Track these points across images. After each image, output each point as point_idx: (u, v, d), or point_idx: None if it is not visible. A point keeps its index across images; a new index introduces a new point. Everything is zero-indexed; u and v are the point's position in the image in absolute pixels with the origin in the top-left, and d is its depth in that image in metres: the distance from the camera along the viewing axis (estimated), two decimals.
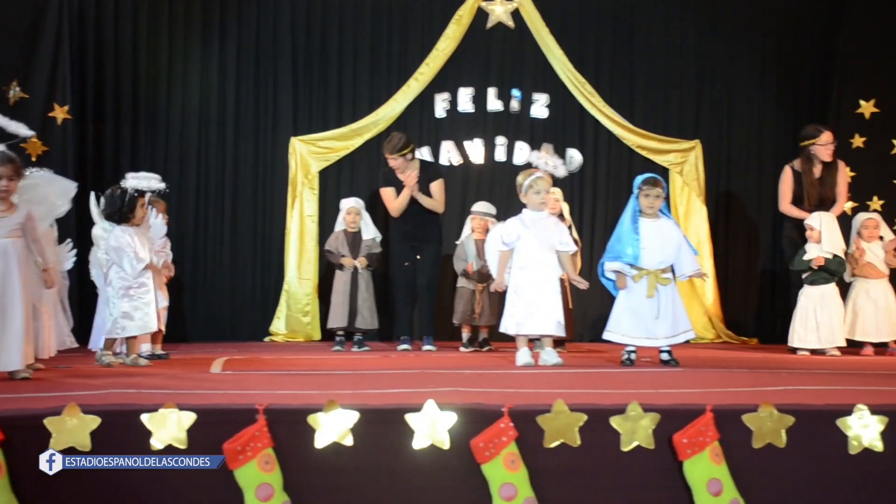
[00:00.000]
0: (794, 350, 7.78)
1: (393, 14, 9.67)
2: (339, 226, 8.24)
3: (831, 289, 7.76)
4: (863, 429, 3.49)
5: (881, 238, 7.90)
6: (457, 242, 8.25)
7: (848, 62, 9.40)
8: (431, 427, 3.46)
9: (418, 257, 8.03)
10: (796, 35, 9.93)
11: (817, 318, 7.67)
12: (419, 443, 3.44)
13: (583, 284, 6.25)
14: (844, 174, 8.32)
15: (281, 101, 9.50)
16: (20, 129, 5.27)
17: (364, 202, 8.42)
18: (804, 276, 7.84)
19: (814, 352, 7.63)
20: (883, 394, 4.17)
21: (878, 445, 3.50)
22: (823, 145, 8.15)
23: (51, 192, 5.40)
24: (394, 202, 8.03)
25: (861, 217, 8.09)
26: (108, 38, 9.06)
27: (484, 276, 7.68)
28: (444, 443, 3.45)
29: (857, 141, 9.25)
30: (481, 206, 8.22)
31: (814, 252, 7.74)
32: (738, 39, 9.92)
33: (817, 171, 8.22)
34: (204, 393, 4.15)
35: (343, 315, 7.97)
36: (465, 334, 8.17)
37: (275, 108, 9.51)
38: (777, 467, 3.53)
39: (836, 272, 7.73)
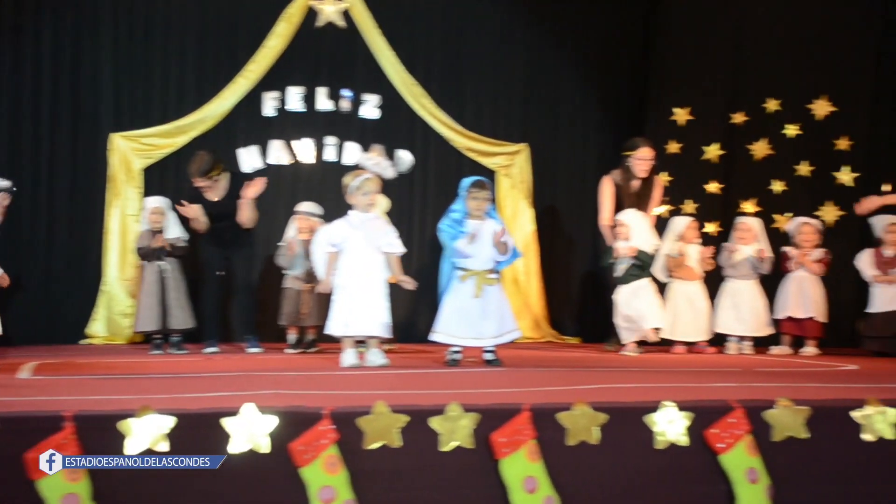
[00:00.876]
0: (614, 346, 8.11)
1: (221, 8, 9.48)
2: (144, 225, 7.98)
3: (645, 283, 7.79)
4: (668, 425, 3.64)
5: (699, 241, 8.21)
6: (280, 244, 8.13)
7: (663, 71, 9.81)
8: (250, 431, 3.41)
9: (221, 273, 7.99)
10: (616, 44, 10.29)
11: (635, 314, 7.70)
12: (236, 447, 3.38)
13: (410, 285, 6.29)
14: (660, 189, 8.48)
15: (102, 95, 9.15)
16: None
17: (171, 201, 8.10)
18: (616, 274, 7.82)
19: (640, 343, 7.75)
20: (689, 390, 4.37)
21: (684, 440, 3.66)
22: (640, 159, 8.24)
23: None
24: (200, 219, 7.83)
25: (683, 220, 8.39)
26: None
27: (311, 277, 7.59)
28: (263, 447, 3.40)
29: (673, 147, 9.65)
30: (307, 206, 8.15)
31: (622, 247, 7.80)
32: (564, 46, 10.20)
33: (635, 183, 8.33)
34: (6, 400, 3.95)
35: (154, 317, 7.67)
36: (292, 335, 8.08)
37: (94, 103, 9.15)
38: (590, 463, 3.64)
39: (645, 264, 7.77)
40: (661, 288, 8.27)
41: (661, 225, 8.49)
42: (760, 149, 9.54)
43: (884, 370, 6.08)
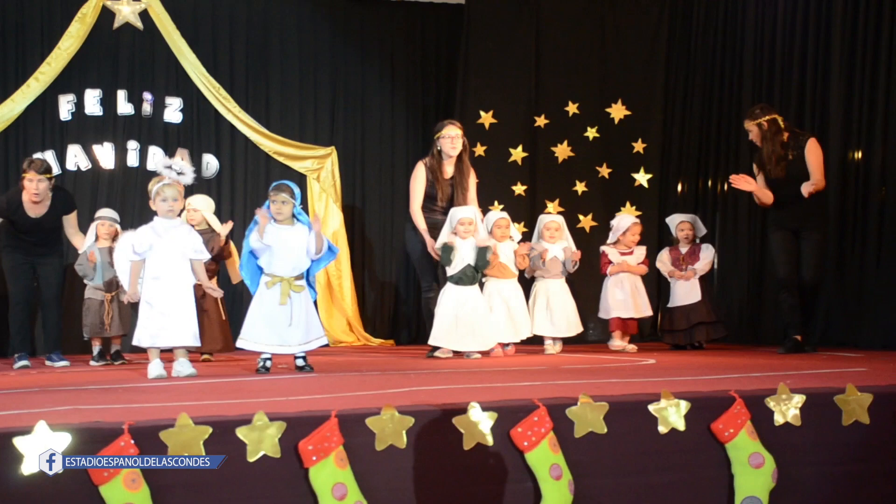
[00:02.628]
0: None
1: (7, 7, 9.02)
2: None
3: (476, 292, 7.44)
4: (475, 425, 3.72)
5: (511, 238, 8.01)
6: (80, 251, 7.71)
7: (469, 75, 10.01)
8: (43, 450, 3.26)
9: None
10: (424, 48, 10.44)
11: (459, 322, 7.29)
12: (29, 467, 3.23)
13: (217, 293, 6.19)
14: (472, 178, 8.06)
15: None
16: None
17: None
18: (451, 272, 7.36)
19: (456, 353, 7.32)
20: (494, 390, 4.48)
21: (490, 440, 3.74)
22: (448, 137, 7.78)
23: None
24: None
25: (493, 216, 8.20)
26: None
27: (112, 286, 7.43)
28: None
29: (479, 149, 9.87)
30: (106, 212, 7.83)
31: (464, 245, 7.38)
32: (369, 51, 10.27)
33: (448, 168, 7.88)
34: None
35: None
36: (96, 347, 7.77)
37: None
38: (399, 467, 3.67)
39: (481, 265, 7.38)
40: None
41: None
42: (563, 151, 9.88)
43: (679, 363, 6.41)
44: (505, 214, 8.25)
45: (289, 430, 3.54)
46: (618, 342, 8.25)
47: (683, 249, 8.40)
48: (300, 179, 9.56)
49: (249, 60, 9.88)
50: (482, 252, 7.30)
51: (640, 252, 8.39)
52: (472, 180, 7.99)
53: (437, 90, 10.42)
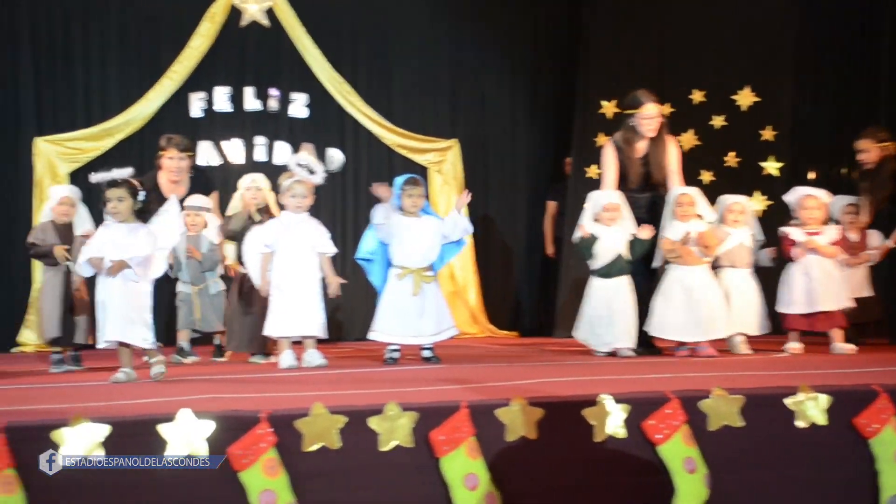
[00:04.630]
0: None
1: (141, 7, 9.32)
2: (47, 216, 6.54)
3: (626, 282, 6.55)
4: (607, 417, 3.68)
5: (700, 217, 6.63)
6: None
7: (590, 64, 9.89)
8: (187, 436, 3.37)
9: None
10: (544, 38, 10.37)
11: (613, 317, 6.47)
12: (174, 453, 3.34)
13: (336, 290, 6.22)
14: (675, 151, 6.93)
15: (22, 99, 8.96)
16: None
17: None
18: (591, 263, 6.60)
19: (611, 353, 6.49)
20: (625, 383, 4.42)
21: (622, 432, 3.70)
22: (647, 118, 6.78)
23: None
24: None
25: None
26: None
27: (200, 278, 6.91)
28: (202, 451, 3.37)
29: (602, 139, 9.75)
30: (195, 200, 7.12)
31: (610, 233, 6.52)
32: (489, 41, 10.24)
33: (640, 147, 6.86)
34: None
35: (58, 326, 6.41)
36: (183, 342, 6.96)
37: (16, 106, 8.95)
38: (531, 458, 3.66)
39: (629, 259, 6.53)
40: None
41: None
42: (688, 140, 9.69)
43: (816, 357, 6.19)
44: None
45: (421, 421, 3.57)
46: (795, 344, 6.58)
47: (853, 236, 7.22)
48: (422, 172, 9.61)
49: (371, 54, 9.98)
50: (640, 243, 6.49)
51: (832, 231, 6.75)
52: (673, 155, 6.86)
53: (559, 79, 10.34)
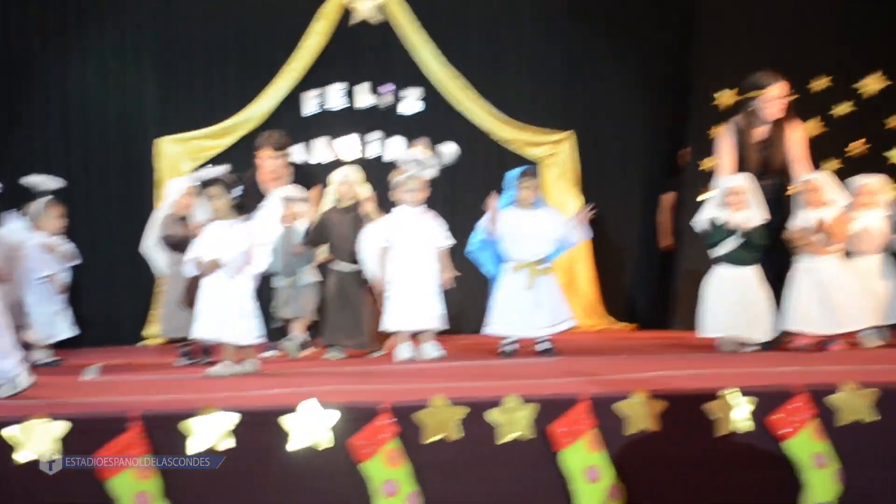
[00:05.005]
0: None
1: (257, 8, 9.52)
2: (167, 210, 6.58)
3: (752, 273, 6.10)
4: (732, 410, 3.61)
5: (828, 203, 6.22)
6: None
7: (705, 53, 9.68)
8: (311, 427, 3.44)
9: None
10: (658, 27, 10.20)
11: (738, 307, 6.01)
12: (298, 443, 3.42)
13: (449, 283, 6.29)
14: (800, 136, 6.48)
15: (146, 100, 9.25)
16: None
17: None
18: (717, 251, 6.14)
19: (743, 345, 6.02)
20: (750, 376, 4.33)
21: (746, 426, 3.63)
22: (771, 100, 6.35)
23: None
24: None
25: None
26: None
27: (293, 270, 6.69)
28: (325, 442, 3.43)
29: (718, 130, 9.54)
30: (288, 191, 6.69)
31: (738, 219, 6.05)
32: (604, 31, 10.12)
33: (760, 131, 6.45)
34: (74, 402, 4.02)
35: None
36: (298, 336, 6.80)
37: (140, 107, 9.25)
38: (653, 451, 3.62)
39: (756, 245, 6.07)
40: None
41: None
42: (811, 128, 9.40)
43: None
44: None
45: (540, 413, 3.57)
46: None
47: None
48: (536, 165, 9.57)
49: (483, 48, 9.96)
50: (755, 232, 6.04)
51: None
52: (797, 140, 6.42)
53: (674, 69, 10.15)
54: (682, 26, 10.07)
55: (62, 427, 3.27)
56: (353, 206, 6.62)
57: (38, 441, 3.23)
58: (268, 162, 7.16)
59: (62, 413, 3.35)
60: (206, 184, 5.31)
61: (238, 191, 5.32)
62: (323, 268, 6.90)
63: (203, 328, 5.21)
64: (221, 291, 5.20)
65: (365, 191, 6.81)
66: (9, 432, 3.22)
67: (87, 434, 3.28)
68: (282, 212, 6.36)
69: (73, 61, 9.12)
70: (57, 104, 9.07)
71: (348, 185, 6.64)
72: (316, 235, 6.57)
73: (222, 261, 5.17)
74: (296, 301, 6.67)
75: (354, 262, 6.45)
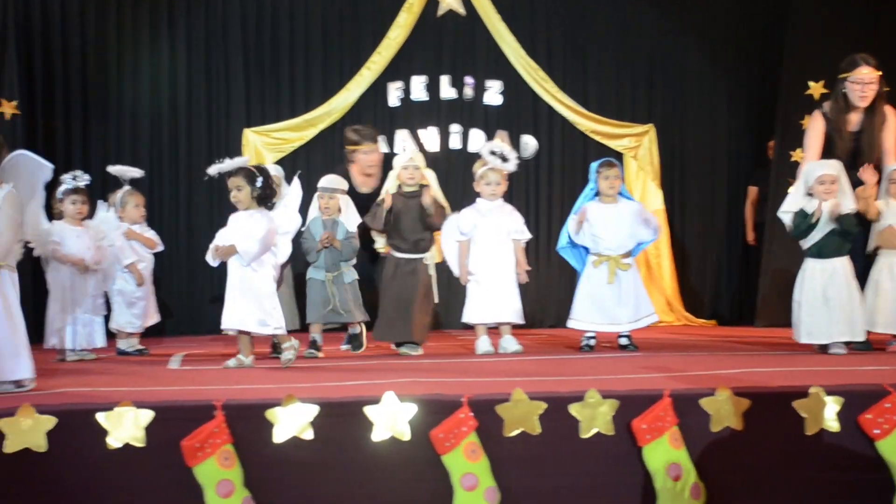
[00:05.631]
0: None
1: (344, 2, 9.61)
2: (315, 212, 6.37)
3: (844, 263, 5.59)
4: (822, 409, 3.53)
5: None
6: (302, 228, 6.26)
7: (796, 44, 9.47)
8: (391, 419, 3.45)
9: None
10: (745, 18, 10.02)
11: (830, 303, 5.50)
12: (378, 435, 3.43)
13: (524, 277, 6.22)
14: (892, 123, 6.12)
15: (233, 92, 9.40)
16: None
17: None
18: (806, 242, 5.63)
19: (823, 348, 5.57)
20: (838, 374, 4.22)
21: (835, 426, 3.54)
22: (859, 83, 6.02)
23: (25, 173, 4.62)
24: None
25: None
26: (56, 31, 8.90)
27: (335, 265, 6.21)
28: (404, 434, 3.45)
29: (808, 121, 9.33)
30: (329, 182, 6.37)
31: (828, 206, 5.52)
32: (688, 23, 9.98)
33: (853, 117, 6.11)
34: (161, 389, 4.10)
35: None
36: (316, 334, 6.28)
37: (227, 100, 9.41)
38: (736, 450, 3.56)
39: (849, 232, 5.55)
40: None
41: None
42: None
43: None
44: None
45: (621, 408, 3.53)
46: None
47: None
48: (617, 158, 9.47)
49: (566, 40, 9.91)
50: (846, 219, 5.51)
51: None
52: (891, 130, 6.10)
53: (761, 60, 9.96)
54: (771, 17, 9.87)
55: (148, 415, 3.34)
56: (417, 191, 6.27)
57: (126, 428, 3.30)
58: (369, 156, 7.01)
59: (148, 401, 3.42)
60: (228, 175, 5.30)
61: (260, 182, 5.32)
62: (375, 257, 6.81)
63: (228, 319, 5.27)
64: (243, 282, 5.27)
65: (429, 176, 6.49)
66: (99, 418, 3.30)
67: (173, 422, 3.35)
68: (319, 203, 6.23)
69: (162, 52, 9.30)
70: (146, 95, 9.25)
71: (412, 169, 6.27)
72: (377, 220, 6.23)
73: (238, 247, 5.24)
74: (343, 300, 6.19)
75: (416, 250, 6.24)
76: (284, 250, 5.62)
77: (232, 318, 5.28)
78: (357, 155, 7.08)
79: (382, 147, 9.19)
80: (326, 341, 6.29)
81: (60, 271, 6.21)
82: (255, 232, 5.24)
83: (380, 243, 6.59)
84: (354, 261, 6.33)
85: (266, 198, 5.37)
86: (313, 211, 6.32)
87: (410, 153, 6.45)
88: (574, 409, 3.53)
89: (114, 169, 7.10)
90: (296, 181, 6.07)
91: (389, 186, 6.42)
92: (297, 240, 6.21)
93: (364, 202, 6.59)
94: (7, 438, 3.23)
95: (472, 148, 9.45)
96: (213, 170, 5.30)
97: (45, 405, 3.37)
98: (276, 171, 6.27)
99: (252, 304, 5.26)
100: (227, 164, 5.30)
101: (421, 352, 6.14)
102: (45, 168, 4.67)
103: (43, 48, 8.84)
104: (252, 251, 5.24)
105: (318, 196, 6.28)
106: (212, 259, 5.43)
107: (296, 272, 6.93)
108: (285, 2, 9.51)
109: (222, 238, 5.36)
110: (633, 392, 3.63)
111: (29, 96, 8.65)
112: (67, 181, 6.38)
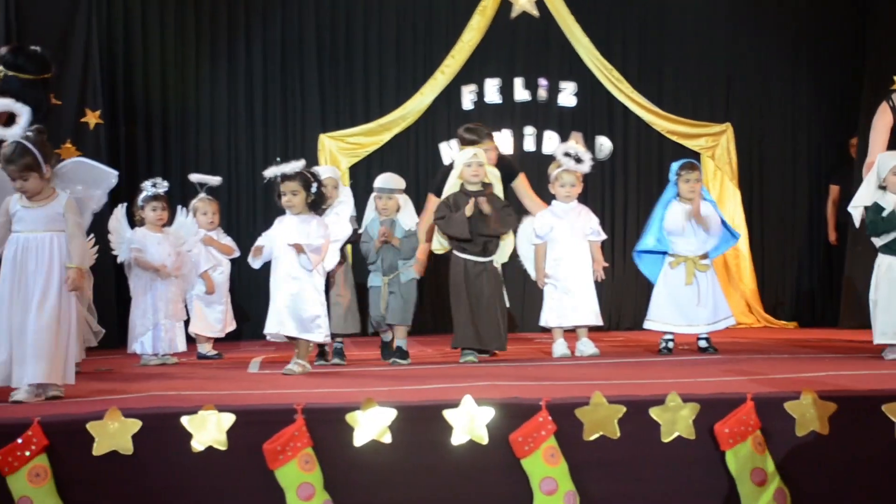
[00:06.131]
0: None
1: (417, 6, 9.66)
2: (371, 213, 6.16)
3: None
4: None
5: None
6: (359, 231, 6.15)
7: (878, 38, 9.25)
8: (469, 422, 3.45)
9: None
10: (825, 13, 9.83)
11: None
12: (458, 439, 3.43)
13: (600, 276, 6.15)
14: None
15: (308, 99, 9.51)
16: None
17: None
18: (882, 239, 5.33)
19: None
20: None
21: None
22: None
23: (89, 179, 4.71)
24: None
25: None
26: (137, 42, 9.14)
27: (392, 268, 5.97)
28: (483, 438, 3.44)
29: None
30: (386, 181, 6.11)
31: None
32: (768, 20, 9.84)
33: None
34: (243, 393, 4.16)
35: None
36: (389, 335, 6.21)
37: (302, 106, 9.52)
38: (822, 455, 3.48)
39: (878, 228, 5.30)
40: None
41: None
42: None
43: None
44: None
45: (703, 412, 3.48)
46: None
47: None
48: (694, 157, 9.36)
49: (642, 39, 9.84)
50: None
51: None
52: None
53: (843, 58, 9.76)
54: (853, 16, 9.67)
55: (230, 418, 3.38)
56: (481, 190, 5.94)
57: (209, 432, 3.35)
58: (491, 154, 6.60)
59: (230, 405, 3.47)
60: (284, 178, 5.20)
61: (315, 187, 5.22)
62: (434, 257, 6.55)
63: (275, 324, 5.16)
64: (290, 288, 5.14)
65: (491, 174, 6.17)
66: (183, 421, 3.36)
67: (255, 425, 3.39)
68: (377, 203, 5.99)
69: (239, 61, 9.45)
70: (223, 102, 9.41)
71: (475, 165, 5.92)
72: (459, 228, 5.87)
73: (307, 250, 5.09)
74: (397, 301, 5.91)
75: (485, 252, 5.92)
76: (332, 258, 5.47)
77: (278, 324, 5.15)
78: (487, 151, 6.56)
79: (454, 149, 9.23)
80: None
81: (143, 277, 6.35)
82: (315, 238, 5.16)
83: (438, 244, 6.21)
84: (414, 260, 6.02)
85: (317, 204, 5.27)
86: (370, 212, 6.11)
87: (473, 149, 6.14)
88: (654, 413, 3.48)
89: (194, 177, 7.24)
90: (347, 190, 6.00)
91: (451, 185, 6.06)
92: (356, 245, 6.14)
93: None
94: (95, 441, 3.31)
95: (545, 150, 9.44)
96: (270, 172, 5.25)
97: (131, 409, 3.43)
98: (331, 174, 6.16)
99: (303, 310, 5.13)
100: (286, 167, 5.22)
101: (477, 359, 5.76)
102: (110, 175, 4.78)
103: (125, 59, 9.08)
104: (317, 256, 5.16)
105: (376, 197, 6.03)
106: (254, 261, 5.31)
107: (358, 280, 6.57)
108: (359, 8, 9.59)
109: (268, 239, 5.27)
110: (715, 396, 3.57)
111: (111, 106, 8.86)
112: (148, 188, 6.51)
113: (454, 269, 5.93)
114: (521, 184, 6.73)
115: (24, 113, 4.32)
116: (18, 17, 8.04)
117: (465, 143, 6.68)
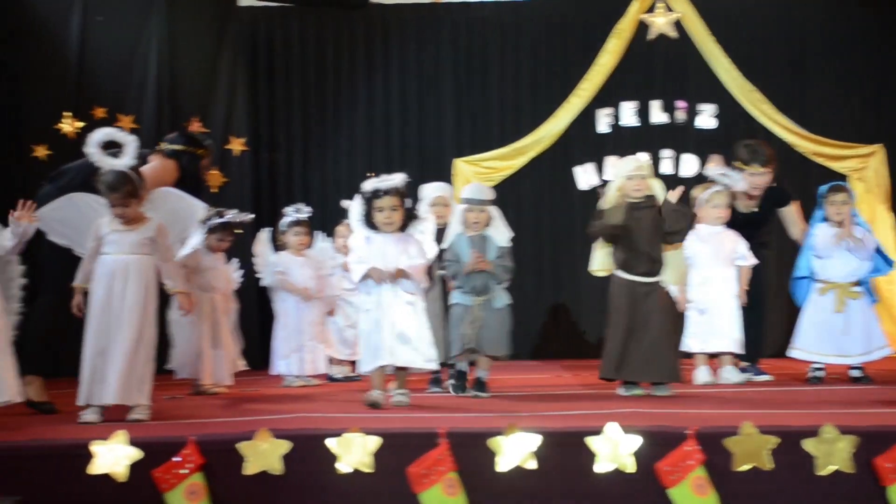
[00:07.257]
0: None
1: (553, 31, 9.64)
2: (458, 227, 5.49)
3: None
4: None
5: None
6: (442, 247, 5.40)
7: None
8: (614, 450, 3.40)
9: None
10: None
11: None
12: (602, 467, 3.38)
13: (743, 297, 5.95)
14: None
15: (445, 123, 9.59)
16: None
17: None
18: None
19: None
20: None
21: None
22: None
23: (179, 209, 4.87)
24: None
25: None
26: (280, 71, 9.40)
27: (485, 289, 5.28)
28: (629, 466, 3.38)
29: None
30: (477, 192, 5.52)
31: None
32: None
33: None
34: (385, 416, 4.19)
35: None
36: (462, 363, 5.43)
37: (438, 131, 9.60)
38: None
39: None
40: None
41: None
42: None
43: None
44: None
45: (862, 445, 3.34)
46: None
47: None
48: (842, 180, 9.03)
49: (784, 60, 9.55)
50: None
51: None
52: None
53: None
54: None
55: (376, 441, 3.41)
56: (646, 201, 5.32)
57: (355, 454, 3.39)
58: (755, 178, 6.23)
59: (374, 428, 3.51)
60: (385, 193, 4.85)
61: (409, 203, 4.95)
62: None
63: (384, 354, 4.67)
64: (395, 313, 4.73)
65: (656, 186, 5.44)
66: (330, 444, 3.41)
67: (399, 448, 3.41)
68: (468, 217, 5.35)
69: (376, 87, 9.59)
70: (362, 128, 9.57)
71: (638, 179, 5.30)
72: (607, 231, 5.32)
73: (413, 273, 4.76)
74: (492, 330, 5.23)
75: (653, 272, 5.29)
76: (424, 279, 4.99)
77: (385, 353, 4.66)
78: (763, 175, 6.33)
79: (593, 174, 9.18)
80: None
81: (287, 300, 6.51)
82: (418, 257, 4.83)
83: (597, 263, 5.58)
84: (508, 283, 5.41)
85: (411, 220, 4.93)
86: (456, 226, 5.43)
87: (636, 159, 5.58)
88: (809, 445, 3.37)
89: (347, 203, 7.34)
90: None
91: (609, 199, 5.40)
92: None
93: None
94: (247, 461, 3.39)
95: (683, 173, 9.26)
96: (370, 185, 4.86)
97: (280, 429, 3.50)
98: (443, 192, 6.00)
99: (412, 336, 4.73)
100: (388, 182, 4.87)
101: (641, 392, 5.17)
102: (197, 207, 5.00)
103: (268, 87, 9.34)
104: (423, 276, 4.87)
105: (466, 210, 5.37)
106: (366, 288, 4.82)
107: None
108: (495, 32, 9.63)
109: (371, 262, 4.78)
110: (874, 428, 3.43)
111: (255, 134, 9.14)
112: (290, 213, 6.68)
113: (614, 288, 5.31)
114: (793, 211, 6.39)
115: (129, 143, 4.51)
116: (171, 56, 8.45)
117: (737, 159, 6.36)
